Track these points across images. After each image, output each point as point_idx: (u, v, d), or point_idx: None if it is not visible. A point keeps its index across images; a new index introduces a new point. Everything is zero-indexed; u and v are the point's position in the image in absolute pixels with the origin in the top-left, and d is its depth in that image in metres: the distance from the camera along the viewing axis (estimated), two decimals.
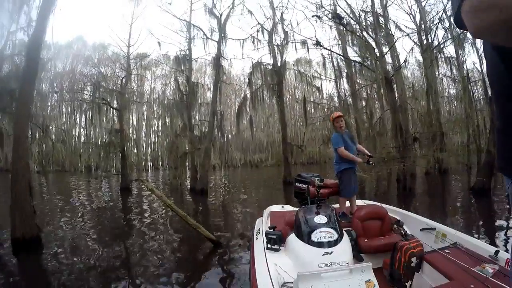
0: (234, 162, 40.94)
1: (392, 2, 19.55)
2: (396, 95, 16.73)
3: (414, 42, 20.96)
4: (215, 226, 9.02)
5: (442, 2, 17.36)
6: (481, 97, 22.89)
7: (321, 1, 18.52)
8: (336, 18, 15.97)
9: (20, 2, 12.45)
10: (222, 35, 18.76)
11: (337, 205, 5.16)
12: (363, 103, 21.40)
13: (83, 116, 37.21)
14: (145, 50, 34.11)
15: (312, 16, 17.16)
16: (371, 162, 5.41)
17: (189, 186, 18.61)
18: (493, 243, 5.91)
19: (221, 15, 18.82)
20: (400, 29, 20.50)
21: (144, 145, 44.16)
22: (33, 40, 7.76)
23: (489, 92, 15.83)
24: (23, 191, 6.78)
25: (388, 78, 15.26)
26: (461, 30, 16.24)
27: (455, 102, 28.33)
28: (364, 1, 17.69)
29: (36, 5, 12.54)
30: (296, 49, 20.75)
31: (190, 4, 19.26)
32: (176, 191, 17.04)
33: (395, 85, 16.53)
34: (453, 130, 23.23)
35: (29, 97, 7.44)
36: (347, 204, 5.16)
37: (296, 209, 4.32)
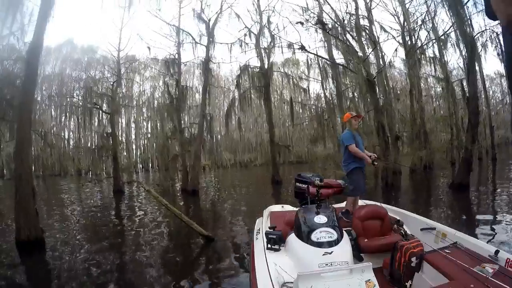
0: (224, 163, 41.24)
1: (377, 4, 20.18)
2: (381, 95, 17.40)
3: (399, 43, 21.59)
4: (207, 224, 9.45)
5: (426, 4, 17.76)
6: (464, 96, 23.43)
7: (307, 5, 19.11)
8: (319, 24, 16.46)
9: (13, 11, 12.65)
10: (211, 39, 19.16)
11: (337, 205, 5.28)
12: (349, 102, 21.93)
13: (72, 119, 37.23)
14: (135, 53, 34.15)
15: (296, 23, 17.67)
16: (376, 163, 5.39)
17: (179, 188, 19.07)
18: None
19: (209, 20, 19.23)
20: (385, 30, 21.15)
21: (134, 147, 44.25)
22: (32, 51, 8.06)
23: (467, 92, 16.52)
24: (26, 194, 7.15)
25: (370, 80, 15.82)
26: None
27: (441, 100, 28.90)
28: (347, 6, 18.34)
29: (29, 12, 12.83)
30: (282, 52, 21.25)
31: (179, 9, 19.71)
32: (168, 192, 17.42)
33: (378, 86, 17.19)
34: (436, 128, 23.81)
35: (30, 105, 7.82)
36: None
37: (296, 209, 4.29)
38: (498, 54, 20.34)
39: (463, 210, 9.88)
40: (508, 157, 30.88)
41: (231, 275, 5.37)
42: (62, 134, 37.12)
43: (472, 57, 13.98)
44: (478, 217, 8.45)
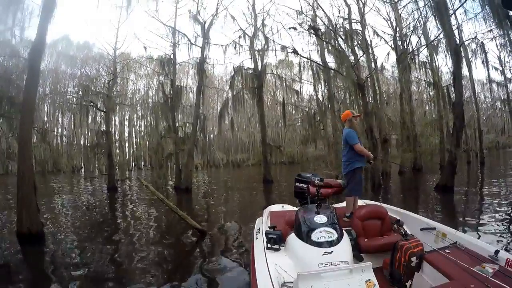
0: (216, 162, 41.51)
1: (370, 9, 20.65)
2: (371, 99, 17.78)
3: (391, 47, 21.99)
4: (200, 220, 9.71)
5: (418, 10, 18.03)
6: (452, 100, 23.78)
7: (301, 8, 19.50)
8: (312, 30, 16.86)
9: (13, 9, 12.82)
10: (206, 41, 19.46)
11: (337, 205, 5.34)
12: (340, 104, 22.31)
13: (65, 116, 37.23)
14: (130, 51, 34.26)
15: (289, 28, 18.07)
16: (372, 162, 5.43)
17: (172, 186, 19.44)
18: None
19: (205, 22, 19.50)
20: (378, 35, 21.63)
21: (127, 145, 44.33)
22: (34, 51, 8.30)
23: (452, 97, 16.98)
24: (28, 189, 7.46)
25: (360, 83, 16.25)
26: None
27: (432, 104, 29.38)
28: (339, 11, 18.82)
29: (29, 11, 13.04)
30: (276, 55, 21.64)
31: (175, 9, 20.00)
32: (161, 190, 17.66)
33: (368, 90, 17.61)
34: (426, 131, 24.25)
35: (33, 104, 8.12)
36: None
37: (296, 209, 4.29)
38: (482, 62, 20.96)
39: (445, 210, 10.25)
40: (497, 161, 31.54)
41: (227, 271, 5.43)
42: (55, 131, 37.14)
43: (458, 63, 14.39)
44: (459, 217, 8.88)
